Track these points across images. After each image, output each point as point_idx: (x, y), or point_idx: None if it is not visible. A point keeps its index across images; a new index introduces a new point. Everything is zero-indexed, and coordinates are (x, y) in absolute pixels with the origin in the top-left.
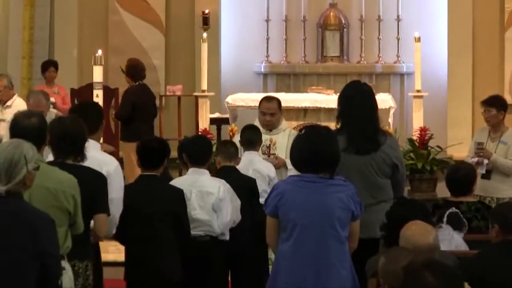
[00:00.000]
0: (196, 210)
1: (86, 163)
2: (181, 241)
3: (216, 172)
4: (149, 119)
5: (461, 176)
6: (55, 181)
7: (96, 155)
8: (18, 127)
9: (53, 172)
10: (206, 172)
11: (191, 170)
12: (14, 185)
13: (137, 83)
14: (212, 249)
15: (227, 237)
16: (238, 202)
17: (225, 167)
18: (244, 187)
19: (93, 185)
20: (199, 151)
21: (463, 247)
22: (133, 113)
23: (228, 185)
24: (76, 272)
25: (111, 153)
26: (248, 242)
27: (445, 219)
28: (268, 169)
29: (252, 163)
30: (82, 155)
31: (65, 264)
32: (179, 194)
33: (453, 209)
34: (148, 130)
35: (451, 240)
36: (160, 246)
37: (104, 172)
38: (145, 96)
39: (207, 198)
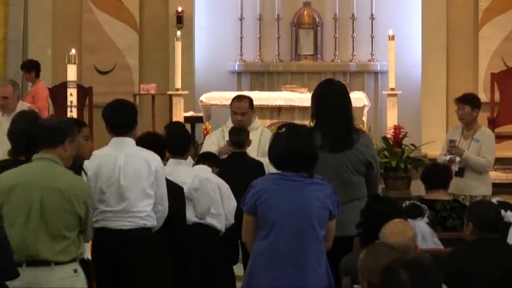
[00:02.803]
0: None
1: (135, 161)
2: (174, 228)
3: (226, 158)
4: None
5: (438, 170)
6: (67, 184)
7: (143, 153)
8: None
9: (65, 175)
10: (183, 162)
11: (170, 161)
12: None
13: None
14: (184, 235)
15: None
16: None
17: (234, 153)
18: (254, 170)
19: None
20: (175, 142)
21: (428, 232)
22: None
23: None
24: None
25: None
26: None
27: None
28: None
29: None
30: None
31: (77, 266)
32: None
33: (407, 203)
34: None
35: (420, 230)
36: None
37: (153, 168)
38: None
39: None
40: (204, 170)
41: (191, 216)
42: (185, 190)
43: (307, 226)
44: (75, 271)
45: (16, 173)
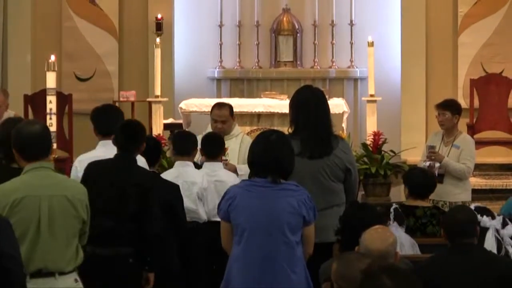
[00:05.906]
0: (184, 199)
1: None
2: (177, 230)
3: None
4: None
5: (426, 179)
6: (72, 189)
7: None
8: (22, 135)
9: (67, 181)
10: (191, 164)
11: (177, 163)
12: None
13: None
14: (196, 234)
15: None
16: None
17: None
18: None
19: None
20: (183, 144)
21: (407, 241)
22: None
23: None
24: None
25: None
26: None
27: (392, 216)
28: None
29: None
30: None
31: (76, 276)
32: (175, 188)
33: (394, 205)
34: None
35: (399, 238)
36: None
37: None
38: None
39: (191, 187)
40: (214, 171)
41: (203, 214)
42: (196, 190)
43: (277, 231)
44: (76, 280)
45: (17, 186)
